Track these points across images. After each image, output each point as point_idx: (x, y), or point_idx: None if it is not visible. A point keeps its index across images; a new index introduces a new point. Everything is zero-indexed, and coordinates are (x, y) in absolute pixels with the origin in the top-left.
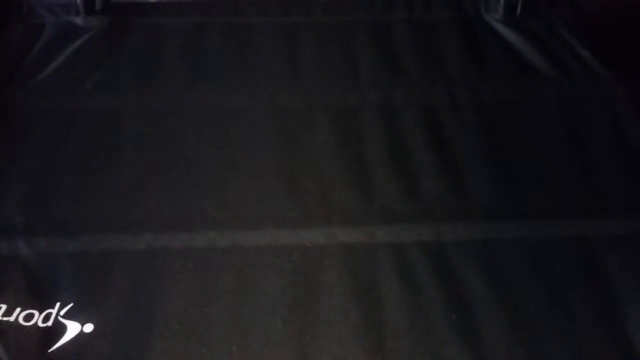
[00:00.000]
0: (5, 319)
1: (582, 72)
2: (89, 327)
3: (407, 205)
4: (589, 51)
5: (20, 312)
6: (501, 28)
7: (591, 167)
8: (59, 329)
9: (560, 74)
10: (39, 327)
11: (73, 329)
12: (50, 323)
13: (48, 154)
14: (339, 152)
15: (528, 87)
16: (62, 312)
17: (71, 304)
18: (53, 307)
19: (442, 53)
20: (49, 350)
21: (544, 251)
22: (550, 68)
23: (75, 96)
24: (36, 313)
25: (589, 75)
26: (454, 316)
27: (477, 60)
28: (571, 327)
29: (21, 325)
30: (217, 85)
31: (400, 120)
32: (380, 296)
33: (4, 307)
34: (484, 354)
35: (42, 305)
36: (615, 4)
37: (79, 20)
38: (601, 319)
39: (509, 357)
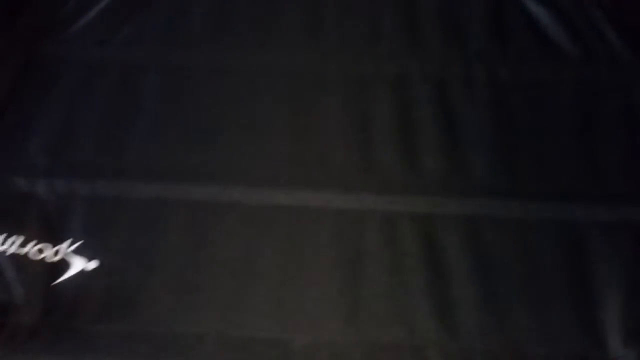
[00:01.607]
0: (19, 250)
1: (604, 54)
2: (94, 264)
3: (404, 177)
4: (616, 33)
5: (34, 245)
6: (530, 3)
7: (596, 153)
8: (65, 264)
9: (582, 55)
10: (47, 262)
11: (78, 264)
12: (58, 258)
13: (74, 103)
14: (346, 120)
15: (546, 66)
16: (71, 248)
17: (80, 242)
18: (63, 243)
19: (464, 25)
20: (54, 283)
21: (531, 232)
22: (572, 47)
23: (103, 48)
24: (49, 247)
25: (611, 59)
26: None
27: (498, 35)
28: (542, 308)
29: (31, 258)
30: (239, 44)
31: (412, 93)
32: (363, 261)
33: (21, 239)
34: (453, 323)
35: (55, 240)
36: None
37: None
38: (574, 303)
39: (477, 330)
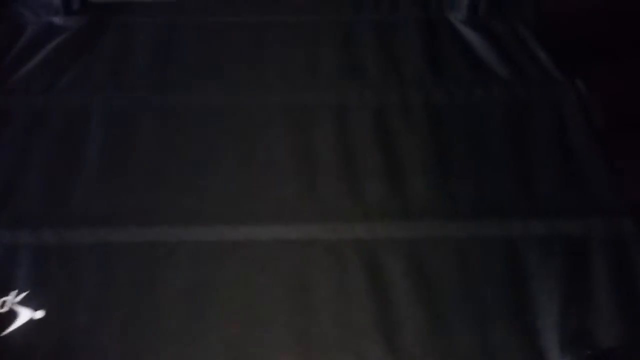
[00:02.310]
0: None
1: (536, 75)
2: (40, 313)
3: (347, 204)
4: (546, 54)
5: None
6: (463, 28)
7: (529, 170)
8: (12, 315)
9: (514, 76)
10: None
11: (26, 314)
12: (5, 309)
13: (18, 152)
14: (288, 152)
15: (480, 89)
16: (18, 299)
17: (26, 292)
18: (9, 294)
19: (401, 54)
20: (1, 335)
21: (470, 250)
22: (505, 70)
23: (46, 96)
24: None
25: (542, 79)
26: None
27: (435, 61)
28: (483, 321)
29: None
30: (180, 86)
31: (352, 121)
32: (310, 291)
33: None
34: (400, 345)
35: (2, 292)
36: (581, 6)
37: (57, 20)
38: (513, 317)
39: (422, 351)
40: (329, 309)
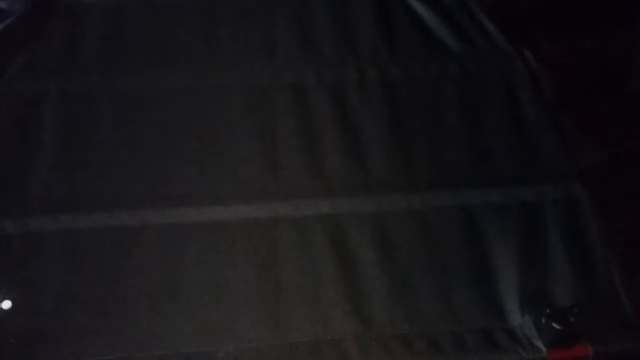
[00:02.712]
0: None
1: (486, 47)
2: (6, 304)
3: (310, 181)
4: (495, 27)
5: None
6: (414, 3)
7: (484, 140)
8: None
9: (465, 50)
10: None
11: None
12: None
13: None
14: (248, 131)
15: (433, 63)
16: None
17: None
18: None
19: (355, 31)
20: None
21: (431, 220)
22: (457, 43)
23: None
24: None
25: (492, 51)
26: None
27: (388, 38)
28: (447, 287)
29: None
30: (133, 68)
31: (310, 99)
32: (277, 266)
33: None
34: (367, 315)
35: None
36: None
37: (2, 4)
38: (475, 282)
39: (390, 318)
40: (297, 283)
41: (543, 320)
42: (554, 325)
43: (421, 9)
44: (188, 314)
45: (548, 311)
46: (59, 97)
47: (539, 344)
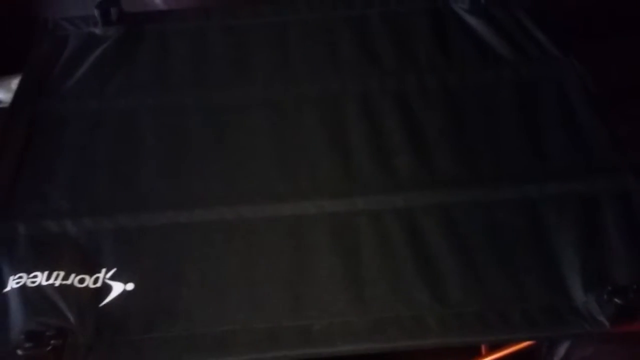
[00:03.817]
0: (64, 282)
1: (537, 54)
2: (130, 286)
3: (382, 178)
4: (542, 33)
5: (75, 277)
6: (467, 17)
7: (540, 139)
8: (106, 289)
9: (518, 57)
10: (90, 288)
11: (118, 288)
12: (99, 284)
13: (81, 151)
14: (324, 137)
15: (488, 70)
16: (108, 275)
17: (114, 269)
18: (100, 272)
19: (413, 43)
20: (100, 305)
21: (495, 211)
22: (509, 52)
23: (99, 99)
24: (87, 277)
25: (542, 57)
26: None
27: (444, 48)
28: (514, 273)
29: (77, 287)
30: (217, 83)
31: (376, 106)
32: (360, 254)
33: (62, 273)
34: (444, 293)
35: (92, 270)
36: None
37: (97, 31)
38: (540, 266)
39: (464, 296)
40: (378, 267)
41: (605, 296)
42: (616, 300)
43: (473, 22)
44: (282, 293)
45: (610, 288)
46: (154, 112)
47: (602, 319)
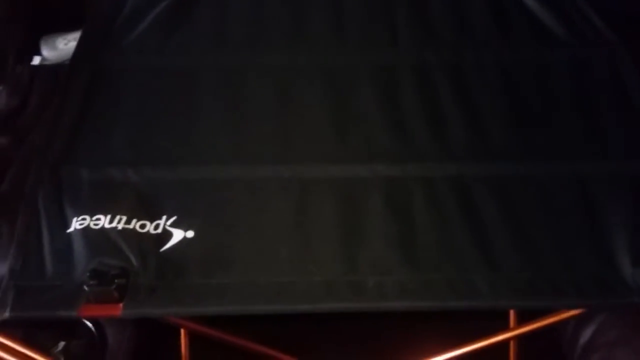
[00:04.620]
0: (126, 226)
1: (592, 36)
2: (190, 234)
3: (436, 147)
4: (598, 17)
5: (136, 222)
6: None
7: (594, 118)
8: (167, 235)
9: (573, 38)
10: (151, 233)
11: (178, 234)
12: (160, 230)
13: (143, 103)
14: (379, 105)
15: (543, 49)
16: (168, 223)
17: (175, 217)
18: (161, 219)
19: (470, 19)
20: (161, 250)
21: (547, 187)
22: (564, 32)
23: (160, 55)
24: (148, 223)
25: (597, 39)
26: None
27: (501, 26)
28: (564, 244)
29: (138, 231)
30: (270, 46)
31: (432, 78)
32: (413, 217)
33: (125, 217)
34: (495, 259)
35: (153, 217)
36: None
37: None
38: (589, 239)
39: (514, 262)
40: (430, 231)
41: None
42: None
43: (530, 3)
44: (333, 247)
45: None
46: (212, 70)
47: None
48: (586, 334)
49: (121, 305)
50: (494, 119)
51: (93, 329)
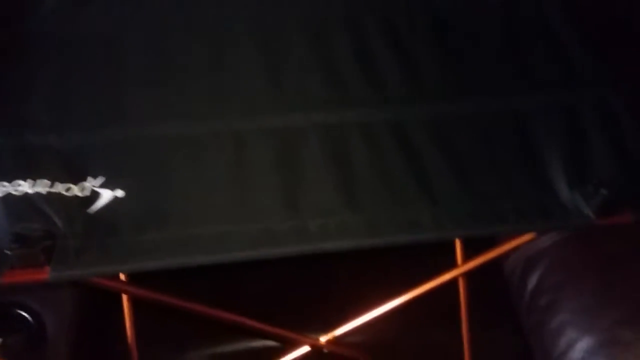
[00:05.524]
0: (51, 190)
1: None
2: (120, 193)
3: (371, 92)
4: None
5: (61, 185)
6: None
7: (522, 56)
8: (95, 196)
9: None
10: (78, 196)
11: (107, 195)
12: (88, 193)
13: (62, 68)
14: (313, 55)
15: None
16: (96, 184)
17: (103, 178)
18: (87, 181)
19: None
20: (89, 211)
21: (483, 123)
22: None
23: (80, 19)
24: (73, 185)
25: None
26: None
27: None
28: (504, 176)
29: (63, 195)
30: (202, 5)
31: (364, 28)
32: (352, 161)
33: (47, 181)
34: (436, 194)
35: (78, 179)
36: None
37: None
38: (528, 169)
39: (457, 198)
40: (370, 173)
41: (591, 189)
42: (602, 191)
43: None
44: (273, 193)
45: (595, 181)
46: (138, 30)
47: (587, 212)
48: (533, 280)
49: (48, 268)
50: (428, 64)
51: (30, 319)
